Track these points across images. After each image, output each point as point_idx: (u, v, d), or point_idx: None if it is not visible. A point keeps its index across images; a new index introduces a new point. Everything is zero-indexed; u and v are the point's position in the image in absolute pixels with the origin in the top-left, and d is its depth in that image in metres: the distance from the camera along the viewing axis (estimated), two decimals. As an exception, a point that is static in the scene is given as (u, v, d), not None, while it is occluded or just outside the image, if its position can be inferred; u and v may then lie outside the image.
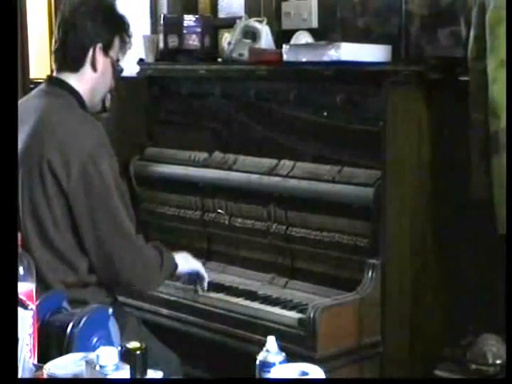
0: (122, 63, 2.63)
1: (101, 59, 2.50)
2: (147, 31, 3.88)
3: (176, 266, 2.55)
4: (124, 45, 2.58)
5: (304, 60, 2.80)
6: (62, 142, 2.34)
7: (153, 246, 2.51)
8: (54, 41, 2.54)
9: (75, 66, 2.49)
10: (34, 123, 2.40)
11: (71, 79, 2.49)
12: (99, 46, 2.48)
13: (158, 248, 2.51)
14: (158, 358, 2.14)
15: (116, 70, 2.57)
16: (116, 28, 2.54)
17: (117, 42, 2.54)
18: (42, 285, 2.27)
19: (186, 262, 2.63)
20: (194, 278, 2.73)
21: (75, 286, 2.36)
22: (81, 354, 1.60)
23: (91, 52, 2.48)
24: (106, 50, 2.50)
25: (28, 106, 2.48)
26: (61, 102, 2.47)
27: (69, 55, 2.49)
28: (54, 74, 2.55)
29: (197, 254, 3.06)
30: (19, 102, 2.59)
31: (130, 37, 2.60)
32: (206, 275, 2.75)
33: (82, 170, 2.32)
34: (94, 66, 2.49)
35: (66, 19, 2.51)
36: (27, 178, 2.35)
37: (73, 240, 2.36)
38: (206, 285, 2.76)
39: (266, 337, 1.57)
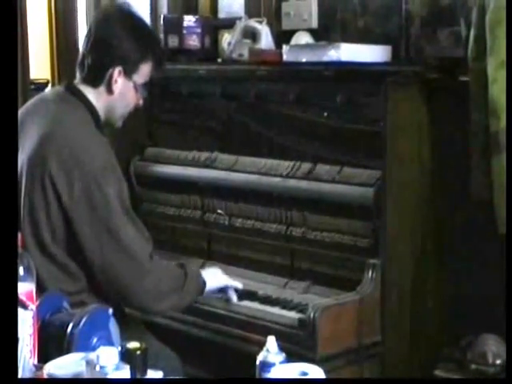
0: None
1: (120, 82, 2.41)
2: (147, 31, 3.87)
3: (204, 284, 2.51)
4: (156, 69, 2.49)
5: (304, 60, 2.80)
6: (65, 158, 2.29)
7: (177, 265, 2.47)
8: (80, 51, 2.47)
9: (94, 82, 2.42)
10: (43, 132, 2.35)
11: (89, 93, 2.43)
12: (118, 69, 2.39)
13: (182, 267, 2.46)
14: (157, 357, 2.14)
15: (139, 91, 2.46)
16: (145, 53, 2.43)
17: (145, 67, 2.44)
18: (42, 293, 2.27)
19: (214, 278, 2.59)
20: (224, 292, 2.68)
21: (75, 294, 2.33)
22: (81, 354, 1.61)
23: (109, 73, 2.40)
24: (128, 74, 2.41)
25: (41, 110, 2.45)
26: (74, 114, 2.41)
27: (88, 70, 2.42)
28: (76, 81, 2.48)
29: (197, 254, 3.08)
30: (35, 98, 2.56)
31: (162, 59, 2.51)
32: (237, 285, 2.69)
33: (85, 192, 2.27)
34: (109, 88, 2.41)
35: (93, 32, 2.43)
36: (29, 187, 2.33)
37: (71, 253, 2.33)
38: (235, 296, 2.70)
39: (266, 337, 1.57)
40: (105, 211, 2.29)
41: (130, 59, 2.41)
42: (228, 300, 2.70)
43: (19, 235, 1.67)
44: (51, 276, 2.32)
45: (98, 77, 2.42)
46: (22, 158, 2.35)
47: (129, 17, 2.48)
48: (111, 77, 2.40)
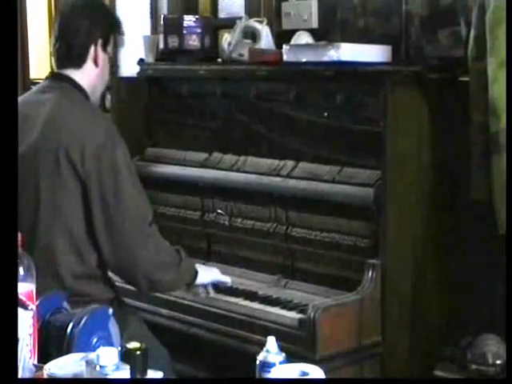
0: (122, 63, 2.66)
1: (101, 55, 2.56)
2: (147, 31, 3.87)
3: (196, 272, 2.56)
4: (115, 41, 2.66)
5: (304, 60, 2.80)
6: (76, 129, 2.40)
7: (174, 248, 2.52)
8: (53, 39, 2.58)
9: (78, 62, 2.54)
10: (48, 114, 2.45)
11: (74, 75, 2.54)
12: (100, 42, 2.55)
13: (178, 250, 2.51)
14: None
15: (112, 65, 2.68)
16: (112, 25, 2.63)
17: (112, 38, 2.61)
18: (52, 273, 2.31)
19: (205, 272, 2.63)
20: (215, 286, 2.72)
21: (82, 277, 2.39)
22: (81, 354, 1.60)
23: (93, 48, 2.54)
24: (104, 46, 2.57)
25: (35, 101, 2.53)
26: (68, 95, 2.52)
27: (72, 53, 2.54)
28: (55, 70, 2.59)
29: (197, 254, 3.08)
30: (22, 97, 2.62)
31: (122, 34, 2.70)
32: (228, 280, 2.73)
33: (96, 155, 2.36)
34: (95, 62, 2.55)
35: (66, 19, 2.58)
36: (44, 166, 2.40)
37: (85, 231, 2.39)
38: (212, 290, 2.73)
39: (265, 337, 1.57)
40: (113, 173, 2.37)
41: (104, 31, 2.58)
42: (207, 293, 2.70)
43: (19, 235, 1.67)
44: (63, 252, 2.38)
45: (82, 55, 2.55)
46: (25, 149, 2.40)
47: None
48: (96, 51, 2.55)
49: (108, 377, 1.45)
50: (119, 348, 1.51)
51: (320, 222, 2.76)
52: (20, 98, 2.63)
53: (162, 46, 3.38)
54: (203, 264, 2.99)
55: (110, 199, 2.36)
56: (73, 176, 2.38)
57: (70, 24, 2.56)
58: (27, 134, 2.41)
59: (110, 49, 2.61)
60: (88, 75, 2.56)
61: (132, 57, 3.50)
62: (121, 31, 2.67)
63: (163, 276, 2.46)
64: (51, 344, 1.78)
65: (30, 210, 2.39)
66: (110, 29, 2.61)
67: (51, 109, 2.47)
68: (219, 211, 3.06)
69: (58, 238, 2.39)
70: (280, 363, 1.51)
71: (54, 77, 2.59)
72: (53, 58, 2.60)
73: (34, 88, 2.66)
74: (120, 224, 2.37)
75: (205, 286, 2.68)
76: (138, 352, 1.51)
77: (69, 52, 2.55)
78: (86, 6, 2.61)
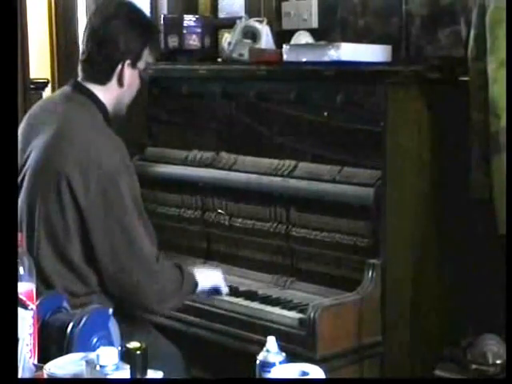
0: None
1: (128, 73, 2.46)
2: (147, 31, 3.87)
3: (196, 284, 2.53)
4: (153, 52, 2.55)
5: (304, 60, 2.81)
6: (81, 159, 2.30)
7: (174, 265, 2.48)
8: (81, 50, 2.49)
9: (102, 79, 2.46)
10: (54, 132, 2.37)
11: (97, 90, 2.46)
12: (128, 62, 2.45)
13: (179, 268, 2.47)
14: (164, 356, 2.14)
15: (143, 78, 2.54)
16: (146, 39, 2.50)
17: (146, 52, 2.50)
18: (50, 292, 2.28)
19: (206, 279, 2.60)
20: (213, 292, 2.69)
21: (82, 295, 2.35)
22: (81, 354, 1.61)
23: (119, 68, 2.45)
24: (134, 63, 2.47)
25: (51, 110, 2.47)
26: (84, 112, 2.43)
27: (96, 69, 2.45)
28: (79, 79, 2.50)
29: (197, 254, 3.08)
30: (42, 101, 2.59)
31: (159, 43, 2.58)
32: (226, 289, 2.70)
33: (101, 189, 2.28)
34: (120, 82, 2.47)
35: (97, 31, 2.45)
36: (43, 189, 2.33)
37: (83, 254, 2.34)
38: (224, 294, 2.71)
39: (266, 337, 1.57)
40: (119, 210, 2.31)
41: (135, 49, 2.47)
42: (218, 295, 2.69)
43: (19, 235, 1.67)
44: (61, 276, 2.33)
45: (107, 74, 2.46)
46: (32, 161, 2.36)
47: (126, 7, 2.53)
48: (122, 71, 2.45)
49: (108, 377, 1.45)
50: (119, 348, 1.51)
51: (320, 221, 2.76)
52: (37, 104, 2.58)
53: (162, 45, 3.38)
54: (204, 263, 3.00)
55: (117, 237, 2.30)
56: (73, 206, 2.30)
57: (98, 37, 2.44)
58: (31, 145, 2.34)
59: (141, 64, 2.49)
60: (111, 93, 2.47)
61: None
62: (157, 43, 2.55)
63: (164, 306, 2.47)
64: (51, 344, 1.78)
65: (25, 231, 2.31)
66: (142, 44, 2.48)
67: (59, 128, 2.37)
68: (219, 211, 3.06)
69: (53, 262, 2.33)
70: (280, 363, 1.51)
71: (75, 87, 2.48)
72: (79, 70, 2.50)
73: (55, 94, 2.59)
74: (126, 262, 2.32)
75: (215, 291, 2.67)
76: (138, 352, 1.51)
77: (92, 68, 2.45)
78: (119, 19, 2.45)
